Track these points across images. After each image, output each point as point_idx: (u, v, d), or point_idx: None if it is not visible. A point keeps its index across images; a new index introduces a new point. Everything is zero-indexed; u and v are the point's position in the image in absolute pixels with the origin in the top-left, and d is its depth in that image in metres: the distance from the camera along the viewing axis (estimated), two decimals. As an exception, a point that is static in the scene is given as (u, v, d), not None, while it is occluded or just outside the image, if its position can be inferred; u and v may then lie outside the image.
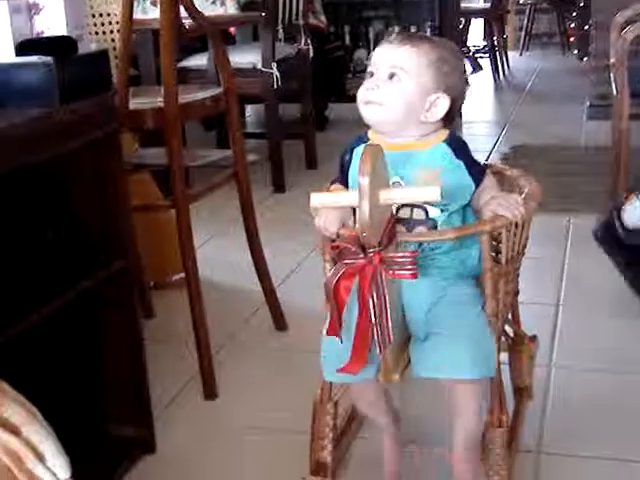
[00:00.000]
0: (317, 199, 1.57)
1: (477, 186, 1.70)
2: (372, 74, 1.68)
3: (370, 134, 1.74)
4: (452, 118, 1.72)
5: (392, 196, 1.50)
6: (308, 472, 1.84)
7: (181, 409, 2.24)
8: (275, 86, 4.12)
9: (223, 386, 2.30)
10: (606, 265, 3.10)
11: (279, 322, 2.66)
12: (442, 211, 1.66)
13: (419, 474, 1.83)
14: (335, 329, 1.57)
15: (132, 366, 1.98)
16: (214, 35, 2.31)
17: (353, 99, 1.71)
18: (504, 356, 1.86)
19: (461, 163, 1.68)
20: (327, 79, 5.36)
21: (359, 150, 1.72)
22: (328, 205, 1.61)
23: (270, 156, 4.17)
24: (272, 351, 2.55)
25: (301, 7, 4.39)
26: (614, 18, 3.65)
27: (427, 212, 1.66)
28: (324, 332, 1.60)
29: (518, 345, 2.05)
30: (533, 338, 2.12)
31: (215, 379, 2.28)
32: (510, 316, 1.97)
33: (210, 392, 2.27)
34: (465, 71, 1.75)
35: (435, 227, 1.67)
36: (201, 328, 2.27)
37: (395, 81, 1.65)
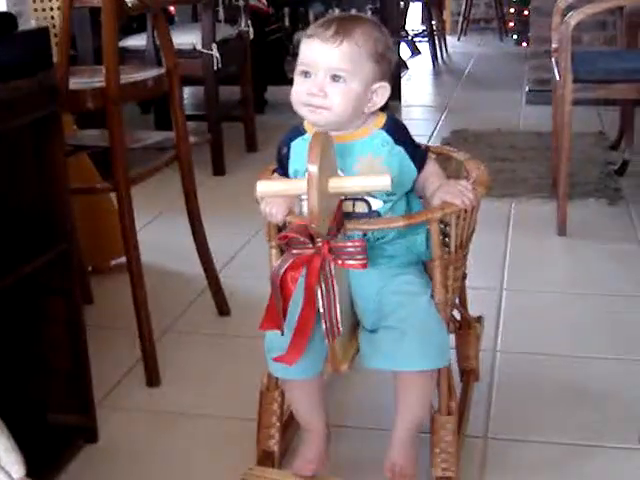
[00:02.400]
0: (263, 187, 1.53)
1: (419, 171, 1.68)
2: (307, 73, 1.61)
3: (306, 125, 1.70)
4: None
5: (341, 185, 1.47)
6: (255, 460, 1.81)
7: (123, 397, 2.19)
8: (215, 68, 4.06)
9: (166, 373, 2.26)
10: (547, 249, 3.13)
11: (222, 307, 2.62)
12: (385, 202, 1.64)
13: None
14: (277, 321, 1.54)
15: (73, 353, 1.93)
16: (157, 14, 2.26)
17: (292, 82, 1.65)
18: (451, 339, 1.84)
19: (402, 149, 1.65)
20: (266, 61, 5.31)
21: (297, 144, 1.69)
22: (274, 194, 1.58)
23: (210, 139, 4.12)
24: (215, 337, 2.51)
25: (240, -11, 4.34)
26: (556, 3, 3.67)
27: (369, 205, 1.64)
28: (261, 325, 1.57)
29: (465, 329, 2.05)
30: (479, 319, 2.12)
31: (158, 366, 2.24)
32: (457, 300, 1.96)
33: (153, 379, 2.22)
34: (392, 43, 1.69)
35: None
36: (143, 314, 2.22)
37: (340, 83, 1.59)
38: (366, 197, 1.63)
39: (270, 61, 5.41)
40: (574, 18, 3.08)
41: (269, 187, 1.55)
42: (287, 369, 1.61)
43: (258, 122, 4.72)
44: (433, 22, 7.85)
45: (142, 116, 5.21)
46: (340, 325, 1.52)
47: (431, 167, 1.71)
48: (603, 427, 2.01)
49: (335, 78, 1.59)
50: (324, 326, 1.51)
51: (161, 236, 3.25)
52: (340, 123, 1.63)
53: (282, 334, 1.55)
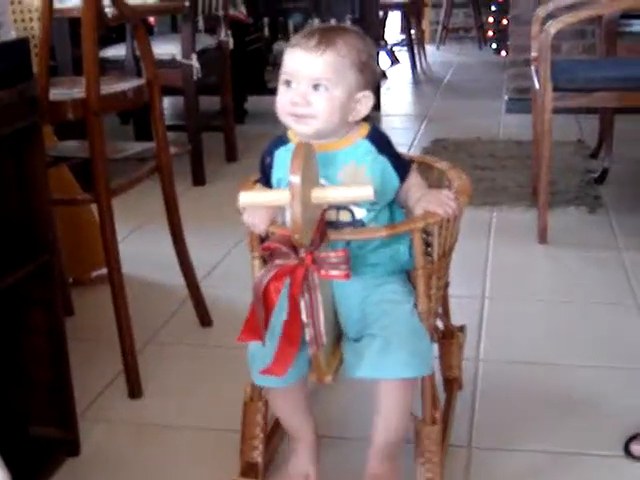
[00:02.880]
0: (246, 198, 1.52)
1: (402, 181, 1.68)
2: (289, 83, 1.62)
3: (290, 135, 1.69)
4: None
5: (324, 195, 1.47)
6: (238, 472, 1.80)
7: (105, 409, 2.17)
8: (195, 78, 4.06)
9: (148, 385, 2.25)
10: (529, 257, 3.14)
11: (204, 318, 2.61)
12: (368, 211, 1.64)
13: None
14: (257, 332, 1.53)
15: (54, 365, 1.92)
16: (137, 24, 2.25)
17: (272, 91, 1.66)
18: (434, 349, 1.84)
19: (385, 159, 1.65)
20: (246, 71, 5.31)
21: (280, 153, 1.69)
22: (257, 204, 1.58)
23: (190, 149, 4.11)
24: (197, 347, 2.50)
25: (221, -1, 4.33)
26: (536, 12, 3.68)
27: (353, 214, 1.64)
28: (240, 337, 1.57)
29: (448, 338, 2.05)
30: (461, 328, 2.12)
31: (140, 378, 2.22)
32: (440, 309, 1.96)
33: (135, 391, 2.20)
34: (375, 53, 1.72)
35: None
36: (125, 325, 2.21)
37: (322, 91, 1.60)
38: (350, 206, 1.62)
39: (250, 71, 5.41)
40: (554, 27, 3.09)
41: (251, 198, 1.54)
42: (270, 378, 1.60)
43: (238, 132, 4.72)
44: (412, 31, 7.87)
45: (122, 127, 5.19)
46: (324, 335, 1.52)
47: (414, 178, 1.72)
48: (587, 436, 2.01)
49: (317, 87, 1.60)
50: (308, 336, 1.51)
51: (142, 247, 3.24)
52: (326, 131, 1.63)
53: (263, 344, 1.55)
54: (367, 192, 1.46)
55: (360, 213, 1.63)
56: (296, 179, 1.38)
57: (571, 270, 3.02)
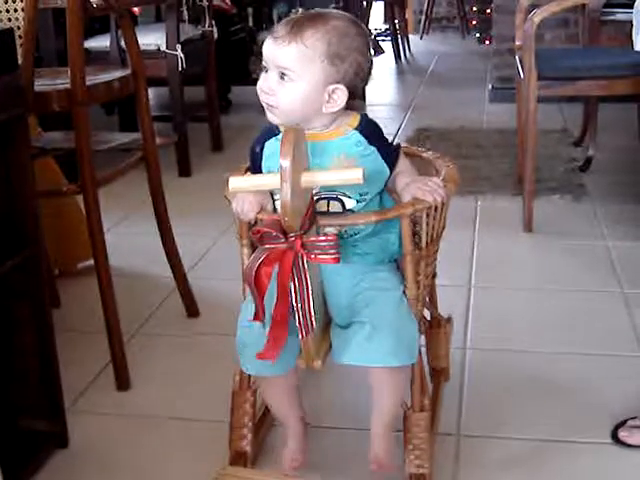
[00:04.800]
0: (236, 183, 1.53)
1: (392, 170, 1.68)
2: (266, 70, 1.62)
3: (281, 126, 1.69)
4: (355, 98, 1.65)
5: (314, 179, 1.47)
6: (227, 462, 1.80)
7: (94, 401, 2.17)
8: (180, 68, 4.04)
9: (136, 376, 2.24)
10: (514, 245, 3.15)
11: (191, 308, 2.61)
12: (358, 201, 1.63)
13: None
14: (258, 315, 1.54)
15: (42, 358, 1.91)
16: (123, 15, 2.24)
17: (256, 82, 1.65)
18: (421, 339, 1.84)
19: (375, 149, 1.64)
20: (230, 61, 5.29)
21: (270, 143, 1.68)
22: (247, 189, 1.58)
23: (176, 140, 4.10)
24: (185, 338, 2.50)
25: (206, -12, 4.32)
26: (520, 1, 3.68)
27: (343, 204, 1.63)
28: (249, 319, 1.57)
29: (435, 327, 2.06)
30: (449, 319, 2.12)
31: (128, 369, 2.22)
32: (427, 299, 1.96)
33: (123, 382, 2.20)
34: (367, 45, 1.64)
35: None
36: (112, 316, 2.20)
37: (286, 81, 1.58)
38: (340, 196, 1.62)
39: (234, 61, 5.39)
40: (538, 16, 3.09)
41: (241, 183, 1.54)
42: (260, 366, 1.62)
43: (222, 122, 4.71)
44: (396, 21, 7.87)
45: (106, 117, 5.17)
46: (314, 320, 1.52)
47: (402, 164, 1.71)
48: (574, 422, 2.02)
49: (283, 76, 1.59)
50: (297, 322, 1.51)
51: (128, 238, 3.23)
52: (294, 121, 1.62)
53: (264, 327, 1.55)
54: (356, 174, 1.46)
55: (350, 203, 1.63)
56: (286, 162, 1.37)
57: (556, 258, 3.04)
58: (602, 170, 4.01)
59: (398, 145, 1.75)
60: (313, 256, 1.48)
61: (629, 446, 1.90)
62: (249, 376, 1.78)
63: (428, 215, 1.67)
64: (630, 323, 2.50)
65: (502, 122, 4.93)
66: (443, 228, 1.82)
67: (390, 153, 1.68)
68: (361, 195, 1.62)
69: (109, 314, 2.20)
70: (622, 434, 1.92)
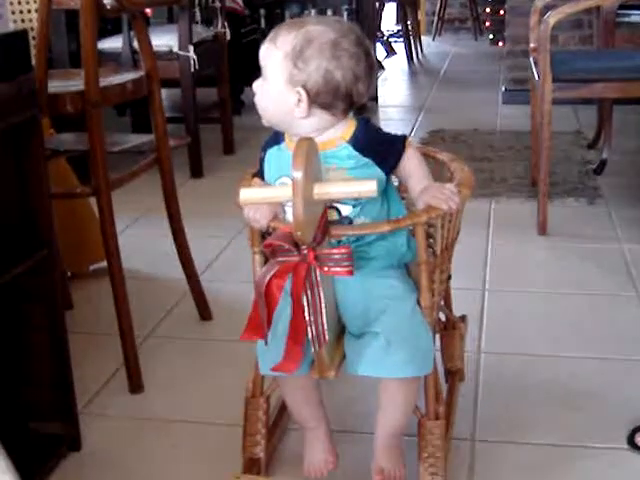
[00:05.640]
0: (246, 195, 1.51)
1: (392, 170, 1.64)
2: None
3: (286, 134, 1.67)
4: (335, 107, 1.59)
5: (326, 191, 1.45)
6: (240, 467, 1.79)
7: (106, 404, 2.16)
8: (192, 70, 4.04)
9: (149, 379, 2.23)
10: (528, 248, 3.14)
11: (204, 311, 2.60)
12: (354, 207, 1.61)
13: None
14: (260, 330, 1.52)
15: (55, 361, 1.90)
16: (136, 16, 2.23)
17: None
18: (436, 340, 1.83)
19: (369, 160, 1.60)
20: (243, 63, 5.28)
21: (272, 152, 1.67)
22: (258, 201, 1.56)
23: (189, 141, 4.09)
24: (198, 341, 2.49)
25: (215, -10, 4.32)
26: (534, 3, 3.66)
27: (339, 211, 1.61)
28: (243, 335, 1.55)
29: (450, 329, 2.04)
30: (463, 318, 2.11)
31: (140, 372, 2.21)
32: (442, 301, 1.95)
33: (136, 385, 2.19)
34: (348, 56, 1.57)
35: (351, 224, 1.62)
36: (125, 319, 2.19)
37: (265, 82, 1.60)
38: (335, 204, 1.60)
39: (246, 62, 5.37)
40: (553, 18, 3.07)
41: (252, 194, 1.53)
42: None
43: (235, 124, 4.70)
44: (408, 22, 7.85)
45: (118, 119, 5.16)
46: (326, 333, 1.50)
47: (412, 160, 1.65)
48: (589, 428, 2.00)
49: (263, 77, 1.60)
50: (310, 334, 1.49)
51: (140, 240, 3.22)
52: (277, 125, 1.63)
53: (265, 343, 1.54)
54: (370, 186, 1.44)
55: (346, 210, 1.60)
56: (298, 175, 1.36)
57: (571, 261, 3.02)
58: (616, 173, 3.99)
59: (403, 143, 1.66)
60: (327, 269, 1.47)
61: (645, 451, 1.89)
62: (262, 383, 1.76)
63: (443, 222, 1.65)
64: (646, 327, 2.48)
65: (516, 124, 4.91)
66: (457, 234, 1.80)
67: (389, 157, 1.64)
68: (356, 200, 1.59)
69: (122, 317, 2.19)
70: (639, 439, 1.90)
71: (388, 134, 1.67)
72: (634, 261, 2.97)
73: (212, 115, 4.64)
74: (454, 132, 4.90)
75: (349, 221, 1.61)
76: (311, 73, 1.56)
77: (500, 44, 7.72)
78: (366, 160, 1.60)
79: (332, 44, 1.56)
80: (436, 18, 9.42)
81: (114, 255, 2.18)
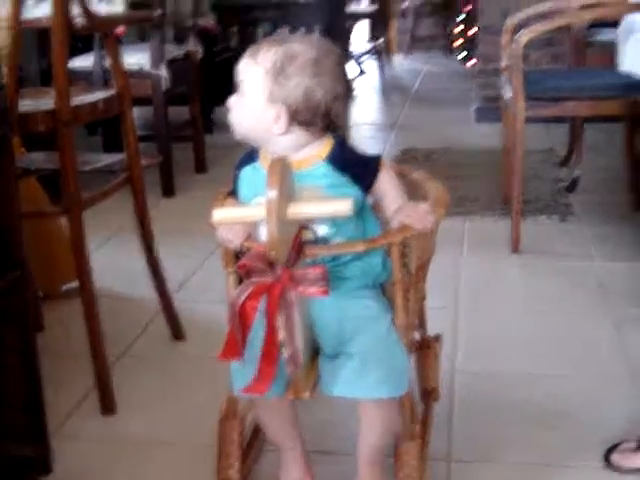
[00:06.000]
0: (220, 215, 1.49)
1: (369, 188, 1.62)
2: None
3: (261, 152, 1.65)
4: (313, 125, 1.58)
5: (301, 210, 1.43)
6: (215, 489, 1.77)
7: (78, 426, 2.13)
8: (164, 88, 4.02)
9: (122, 400, 2.21)
10: (502, 266, 3.14)
11: (177, 331, 2.57)
12: (330, 227, 1.59)
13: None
14: (236, 350, 1.51)
15: (27, 382, 1.88)
16: (107, 35, 2.22)
17: None
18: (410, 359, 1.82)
19: (346, 179, 1.59)
20: (215, 81, 5.27)
21: (246, 171, 1.66)
22: (232, 221, 1.54)
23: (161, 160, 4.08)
24: (171, 361, 2.46)
25: (190, 7, 4.30)
26: (506, 22, 3.68)
27: (315, 232, 1.59)
28: (221, 354, 1.54)
29: (424, 348, 2.03)
30: (437, 337, 2.10)
31: (113, 393, 2.19)
32: (417, 321, 1.94)
33: (108, 407, 2.17)
34: (328, 75, 1.56)
35: (327, 244, 1.59)
36: (97, 339, 2.17)
37: (242, 97, 1.58)
38: (311, 224, 1.58)
39: (218, 81, 5.36)
40: (525, 36, 3.09)
41: (225, 214, 1.51)
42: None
43: (207, 142, 4.68)
44: (380, 40, 7.87)
45: (89, 138, 5.14)
46: (302, 354, 1.49)
47: (386, 180, 1.64)
48: (566, 446, 2.00)
49: (239, 92, 1.59)
50: (285, 355, 1.48)
51: (112, 260, 3.20)
52: (254, 141, 1.62)
53: (242, 364, 1.52)
54: (345, 206, 1.43)
55: (322, 230, 1.59)
56: (273, 194, 1.35)
57: (545, 279, 3.02)
58: (588, 190, 4.01)
59: (378, 163, 1.65)
60: (301, 289, 1.45)
61: (622, 470, 1.88)
62: (236, 404, 1.75)
63: (417, 241, 1.64)
64: (620, 346, 2.48)
65: (488, 142, 4.92)
66: (432, 253, 1.80)
67: (365, 176, 1.62)
68: (331, 220, 1.58)
69: (94, 338, 2.17)
70: (615, 457, 1.90)
71: (364, 153, 1.66)
72: (607, 279, 2.98)
73: (184, 134, 4.63)
74: (426, 150, 4.91)
75: (325, 241, 1.59)
76: (291, 90, 1.55)
77: (471, 62, 7.76)
78: (343, 179, 1.58)
79: (313, 62, 1.56)
80: (407, 36, 9.47)
81: (85, 275, 2.16)
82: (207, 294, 2.86)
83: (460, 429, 2.07)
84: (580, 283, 2.96)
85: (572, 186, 4.02)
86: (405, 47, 9.48)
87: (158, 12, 3.61)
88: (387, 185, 1.65)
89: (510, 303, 2.83)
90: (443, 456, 1.96)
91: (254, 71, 1.56)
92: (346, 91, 1.61)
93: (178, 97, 4.44)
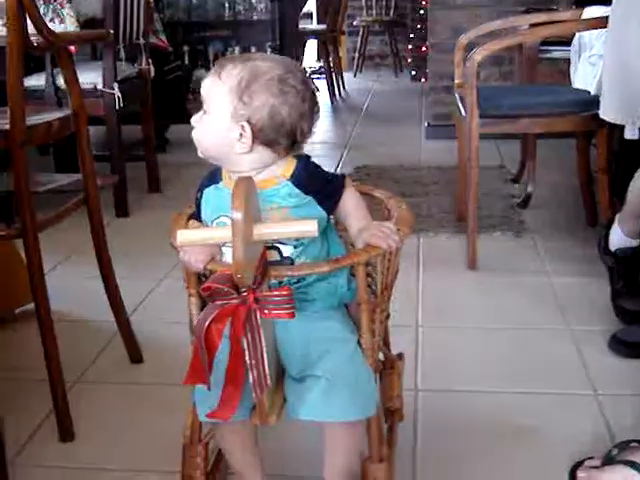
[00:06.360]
0: (184, 237, 1.47)
1: (333, 209, 1.63)
2: None
3: (224, 172, 1.64)
4: (277, 144, 1.56)
5: (267, 231, 1.42)
6: (179, 516, 1.74)
7: (37, 453, 2.08)
8: (117, 107, 3.98)
9: (80, 426, 2.16)
10: (459, 283, 3.14)
11: (134, 354, 2.53)
12: (295, 247, 1.58)
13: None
14: (202, 375, 1.48)
15: (-18, 410, 1.83)
16: (63, 53, 2.18)
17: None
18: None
19: (311, 199, 1.58)
20: (167, 99, 5.24)
21: (209, 192, 1.64)
22: (196, 243, 1.52)
23: (117, 180, 4.03)
24: (129, 385, 2.42)
25: (142, 26, 4.27)
26: (458, 39, 3.70)
27: (280, 252, 1.58)
28: (185, 380, 1.51)
29: (388, 368, 2.01)
30: (399, 356, 2.09)
31: (71, 419, 2.14)
32: (381, 341, 1.92)
33: (66, 433, 2.12)
34: (294, 94, 1.55)
35: (292, 265, 1.58)
36: (54, 364, 2.12)
37: (206, 116, 1.57)
38: (276, 244, 1.57)
39: (170, 99, 5.34)
40: (479, 54, 3.10)
41: (190, 236, 1.48)
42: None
43: (160, 161, 4.65)
44: (330, 59, 7.89)
45: (41, 158, 5.07)
46: (269, 378, 1.46)
47: (350, 199, 1.65)
48: (531, 465, 1.99)
49: (205, 111, 1.57)
50: (251, 379, 1.45)
51: (68, 281, 3.15)
52: (218, 160, 1.60)
53: (208, 388, 1.49)
54: (310, 227, 1.42)
55: (287, 250, 1.58)
56: (238, 215, 1.32)
57: (502, 296, 3.02)
58: (541, 206, 4.04)
59: (342, 182, 1.66)
60: (267, 311, 1.43)
61: (587, 488, 1.88)
62: (200, 429, 1.71)
63: (382, 261, 1.63)
64: (580, 361, 2.49)
65: (439, 159, 4.95)
66: (396, 272, 1.78)
67: (330, 195, 1.62)
68: (297, 240, 1.57)
69: (51, 361, 2.11)
70: (580, 475, 1.89)
71: (327, 173, 1.65)
72: (563, 294, 2.99)
73: (137, 153, 4.59)
74: (379, 168, 4.92)
75: (290, 261, 1.58)
76: (256, 108, 1.53)
77: (422, 80, 7.81)
78: (308, 199, 1.57)
79: (279, 80, 1.54)
80: (357, 54, 9.51)
81: (42, 298, 2.11)
82: (164, 314, 2.82)
83: (425, 450, 2.06)
84: (538, 299, 2.97)
85: (525, 202, 4.05)
86: (355, 65, 9.52)
87: (111, 30, 3.57)
88: (351, 204, 1.65)
89: (469, 321, 2.83)
90: (409, 478, 1.94)
91: (218, 89, 1.54)
92: (312, 110, 1.60)
93: (131, 116, 4.41)
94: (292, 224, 1.47)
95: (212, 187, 1.64)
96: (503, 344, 2.63)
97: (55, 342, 2.13)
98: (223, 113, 1.54)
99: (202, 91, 1.58)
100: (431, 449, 2.06)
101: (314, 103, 1.60)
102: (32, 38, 2.03)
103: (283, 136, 1.56)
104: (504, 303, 2.96)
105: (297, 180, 1.58)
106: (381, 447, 1.67)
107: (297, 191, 1.57)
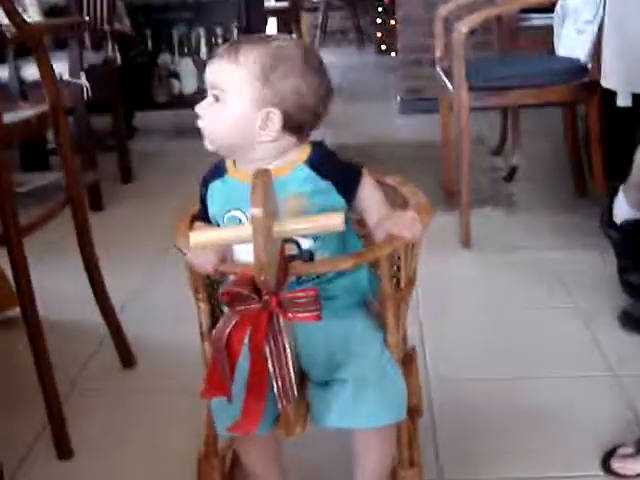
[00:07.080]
0: (198, 239, 1.33)
1: (352, 199, 1.52)
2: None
3: (228, 165, 1.51)
4: (302, 129, 1.48)
5: (289, 228, 1.29)
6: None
7: (34, 473, 1.94)
8: (85, 97, 3.82)
9: (78, 441, 2.02)
10: (456, 264, 3.03)
11: (126, 358, 2.39)
12: (315, 240, 1.46)
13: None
14: (222, 387, 1.36)
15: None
16: (38, 44, 2.03)
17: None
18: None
19: (329, 184, 1.46)
20: (132, 86, 5.07)
21: (216, 185, 1.51)
22: (211, 245, 1.38)
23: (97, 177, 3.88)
24: (123, 393, 2.28)
25: (106, 13, 4.11)
26: (438, 11, 3.59)
27: (299, 245, 1.46)
28: (204, 393, 1.40)
29: (407, 363, 1.90)
30: (413, 349, 1.98)
31: (68, 435, 2.00)
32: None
33: (64, 450, 1.98)
34: (315, 74, 1.45)
35: (312, 258, 1.46)
36: (47, 375, 1.98)
37: (220, 103, 1.44)
38: (295, 237, 1.45)
39: (136, 86, 5.16)
40: (465, 25, 2.99)
41: (204, 237, 1.33)
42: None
43: (129, 149, 4.48)
44: (293, 36, 7.75)
45: None
46: (294, 386, 1.35)
47: (368, 188, 1.54)
48: (558, 454, 1.90)
49: (216, 98, 1.44)
50: (276, 388, 1.34)
51: (48, 283, 2.96)
52: (231, 151, 1.48)
53: (229, 401, 1.37)
54: (334, 221, 1.29)
55: (306, 243, 1.46)
56: (258, 212, 1.20)
57: (501, 274, 2.93)
58: (527, 178, 3.96)
59: (359, 170, 1.56)
60: (291, 315, 1.31)
61: (624, 477, 1.78)
62: (216, 441, 1.59)
63: (406, 252, 1.52)
64: (592, 339, 2.40)
65: (416, 134, 4.86)
66: (417, 263, 1.67)
67: (348, 181, 1.51)
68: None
69: (43, 372, 1.98)
70: (616, 465, 1.79)
71: (344, 160, 1.53)
72: (563, 269, 2.90)
73: (106, 143, 4.43)
74: (355, 146, 4.77)
75: (309, 254, 1.45)
76: (284, 92, 1.42)
77: (393, 54, 7.68)
78: (325, 184, 1.46)
79: (303, 61, 1.44)
80: (318, 31, 9.37)
81: (30, 305, 1.98)
82: (155, 313, 2.67)
83: (446, 445, 1.96)
84: (538, 276, 2.88)
85: (510, 175, 3.95)
86: (316, 42, 9.38)
87: (78, 18, 3.41)
88: (369, 194, 1.54)
89: (471, 303, 2.73)
90: (434, 476, 1.84)
91: (235, 73, 1.42)
92: (330, 90, 1.50)
93: (99, 105, 4.24)
94: (316, 219, 1.33)
95: (218, 181, 1.51)
96: (511, 326, 2.54)
97: (47, 351, 1.99)
98: (243, 99, 1.42)
99: (210, 77, 1.45)
100: (453, 444, 1.96)
101: (330, 82, 1.50)
102: (6, 31, 1.89)
103: (308, 120, 1.47)
104: (505, 282, 2.86)
105: (313, 162, 1.47)
106: (412, 451, 1.58)
107: (314, 175, 1.46)
